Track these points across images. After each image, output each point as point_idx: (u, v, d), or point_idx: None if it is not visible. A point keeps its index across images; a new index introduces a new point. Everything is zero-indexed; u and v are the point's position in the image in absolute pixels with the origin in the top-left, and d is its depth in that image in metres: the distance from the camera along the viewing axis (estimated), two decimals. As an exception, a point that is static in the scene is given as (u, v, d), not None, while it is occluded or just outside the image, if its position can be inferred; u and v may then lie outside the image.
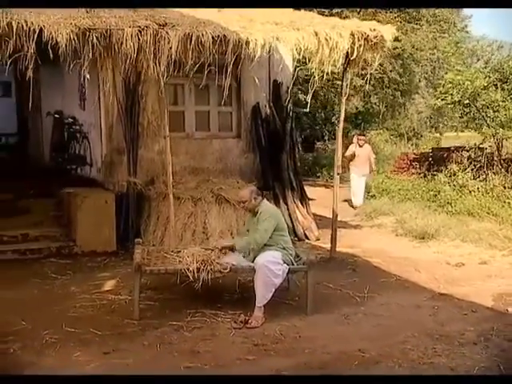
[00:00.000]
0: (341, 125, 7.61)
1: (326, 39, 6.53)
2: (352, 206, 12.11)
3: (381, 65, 16.64)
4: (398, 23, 15.82)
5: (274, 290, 5.36)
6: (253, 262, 5.45)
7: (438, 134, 26.11)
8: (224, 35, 6.05)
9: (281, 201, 8.97)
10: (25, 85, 11.03)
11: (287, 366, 4.30)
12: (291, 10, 9.17)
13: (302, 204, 9.29)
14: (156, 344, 4.73)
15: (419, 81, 23.31)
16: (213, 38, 5.98)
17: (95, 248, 7.42)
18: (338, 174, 7.71)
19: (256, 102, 9.24)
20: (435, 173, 12.69)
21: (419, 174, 13.47)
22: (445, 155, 13.40)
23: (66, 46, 5.46)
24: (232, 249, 5.62)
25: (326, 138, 22.77)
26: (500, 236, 8.97)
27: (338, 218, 10.71)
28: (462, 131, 20.63)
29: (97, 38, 5.64)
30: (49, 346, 4.67)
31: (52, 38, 5.42)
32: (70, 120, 9.79)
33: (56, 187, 8.29)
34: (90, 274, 6.70)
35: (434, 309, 5.73)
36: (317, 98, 17.01)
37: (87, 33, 5.59)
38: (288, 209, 8.97)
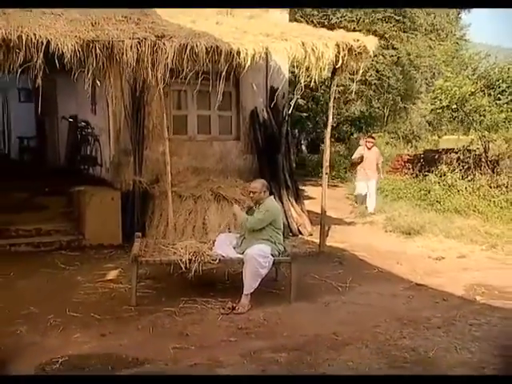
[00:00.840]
0: (328, 128, 7.74)
1: (313, 49, 6.68)
2: (369, 212, 11.01)
3: (377, 71, 16.84)
4: (394, 33, 15.95)
5: (260, 279, 5.53)
6: (242, 253, 5.64)
7: (436, 137, 26.06)
8: (217, 46, 6.23)
9: (276, 199, 9.11)
10: (43, 91, 11.43)
11: (265, 347, 4.47)
12: (285, 21, 9.40)
13: (296, 202, 9.44)
14: (149, 327, 4.93)
15: (420, 86, 23.35)
16: (206, 48, 6.16)
17: (102, 241, 7.61)
18: (326, 173, 7.84)
19: (254, 106, 9.42)
20: (426, 173, 12.78)
21: (412, 174, 13.55)
22: (436, 157, 13.47)
23: (71, 56, 5.67)
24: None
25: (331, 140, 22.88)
26: (481, 232, 9.09)
27: (335, 216, 11.00)
28: (452, 134, 20.66)
29: (100, 49, 5.84)
30: (52, 328, 4.88)
31: (58, 49, 5.64)
32: (83, 124, 10.03)
33: (68, 186, 8.51)
34: (96, 265, 6.89)
35: (409, 297, 5.89)
36: (318, 102, 17.16)
37: (91, 44, 5.80)
38: (283, 206, 9.09)
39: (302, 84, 6.82)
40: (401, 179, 13.34)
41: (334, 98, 17.27)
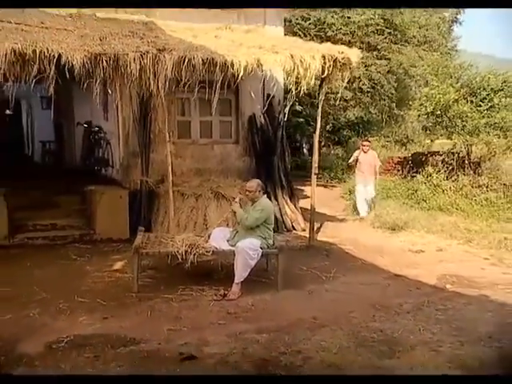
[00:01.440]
0: (317, 132, 7.91)
1: (301, 61, 6.85)
2: (359, 217, 10.48)
3: (371, 79, 16.92)
4: (386, 44, 16.04)
5: (249, 270, 5.70)
6: (234, 245, 5.80)
7: (429, 141, 26.06)
8: (212, 58, 6.41)
9: (272, 198, 9.28)
10: (61, 99, 11.69)
11: (250, 329, 4.64)
12: (281, 35, 9.56)
13: (290, 200, 9.59)
14: (147, 312, 5.12)
15: (415, 93, 23.38)
16: (202, 60, 6.33)
17: (111, 236, 7.78)
18: (315, 174, 7.99)
19: (252, 112, 9.56)
20: (414, 174, 12.86)
21: (401, 175, 13.63)
22: (423, 159, 13.55)
23: (80, 68, 5.87)
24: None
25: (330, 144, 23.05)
26: (461, 228, 9.20)
27: (329, 213, 11.15)
28: (447, 138, 20.69)
29: (106, 61, 6.03)
30: (61, 312, 5.09)
31: (69, 61, 5.84)
32: (96, 129, 10.25)
33: (82, 185, 8.72)
34: (105, 257, 7.08)
35: (386, 286, 6.04)
36: (315, 108, 17.24)
37: (98, 57, 6.00)
38: (278, 204, 9.26)
39: (294, 92, 7.00)
40: (391, 180, 13.41)
41: (332, 105, 17.44)
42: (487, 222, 9.86)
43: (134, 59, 6.07)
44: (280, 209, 9.27)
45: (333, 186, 15.80)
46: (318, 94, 8.12)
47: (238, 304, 5.36)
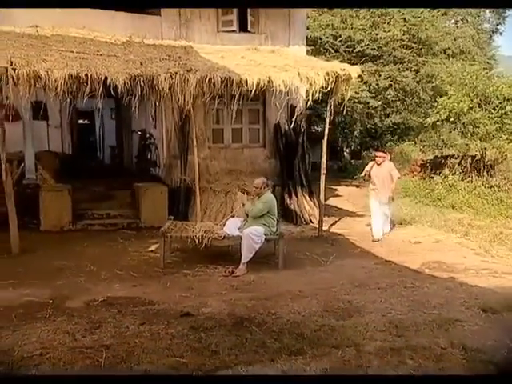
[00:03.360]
0: (325, 138, 8.34)
1: (307, 77, 7.39)
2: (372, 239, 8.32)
3: (401, 89, 17.01)
4: (412, 57, 16.11)
5: (254, 252, 6.34)
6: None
7: (464, 145, 25.54)
8: (229, 76, 7.07)
9: (293, 194, 9.86)
10: (124, 111, 12.76)
11: (243, 297, 5.23)
12: (302, 54, 10.07)
13: (309, 197, 10.09)
14: (167, 283, 5.85)
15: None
16: (221, 78, 7.02)
17: (153, 224, 8.52)
18: (324, 173, 8.45)
19: (277, 120, 10.11)
20: (432, 175, 12.99)
21: (422, 176, 13.76)
22: (442, 161, 13.62)
23: (121, 87, 6.70)
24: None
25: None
26: (464, 223, 9.33)
27: (352, 210, 11.56)
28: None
29: (143, 81, 6.84)
30: (102, 280, 5.93)
31: (113, 82, 6.69)
32: (148, 135, 11.20)
33: (134, 182, 9.65)
34: (145, 241, 7.90)
35: (372, 269, 6.44)
36: (345, 117, 17.57)
37: (136, 78, 6.81)
38: (298, 200, 9.83)
39: (301, 104, 7.57)
40: (411, 180, 13.59)
41: (359, 113, 17.54)
42: (494, 219, 9.92)
43: (165, 79, 6.84)
44: (299, 204, 9.81)
45: (364, 187, 16.06)
46: (326, 104, 8.60)
47: (242, 279, 5.99)
